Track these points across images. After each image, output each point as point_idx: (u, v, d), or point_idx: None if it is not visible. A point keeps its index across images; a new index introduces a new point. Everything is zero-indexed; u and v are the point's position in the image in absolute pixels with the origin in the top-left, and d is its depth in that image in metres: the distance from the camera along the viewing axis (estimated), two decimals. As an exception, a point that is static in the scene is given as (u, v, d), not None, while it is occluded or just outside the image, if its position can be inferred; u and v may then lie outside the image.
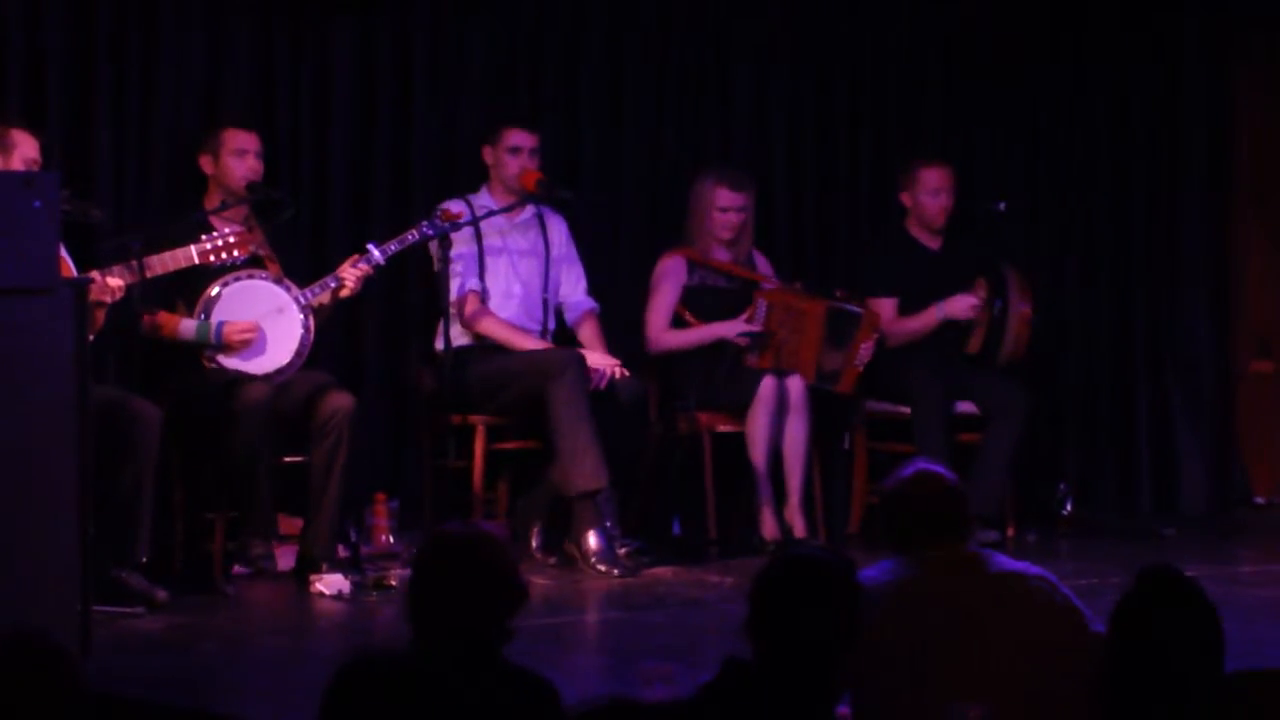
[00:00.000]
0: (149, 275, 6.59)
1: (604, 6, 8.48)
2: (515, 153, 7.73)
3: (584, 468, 7.32)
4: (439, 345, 7.47)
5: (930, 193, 8.30)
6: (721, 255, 8.12)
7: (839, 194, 8.94)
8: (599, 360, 7.60)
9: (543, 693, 3.73)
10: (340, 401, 7.00)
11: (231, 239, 6.77)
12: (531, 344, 7.67)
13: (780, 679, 3.74)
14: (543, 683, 3.73)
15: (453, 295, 7.55)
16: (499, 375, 7.53)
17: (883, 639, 4.07)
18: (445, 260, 7.40)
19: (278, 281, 7.13)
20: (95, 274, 6.37)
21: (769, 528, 7.80)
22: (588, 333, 7.88)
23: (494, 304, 7.73)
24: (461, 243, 7.57)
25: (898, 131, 8.98)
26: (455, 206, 7.60)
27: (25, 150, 6.57)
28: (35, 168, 6.54)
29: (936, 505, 4.34)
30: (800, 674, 3.75)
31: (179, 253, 6.68)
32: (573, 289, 7.95)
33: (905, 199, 8.37)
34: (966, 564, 4.29)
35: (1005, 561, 4.34)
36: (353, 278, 7.17)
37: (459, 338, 7.59)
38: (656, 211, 8.45)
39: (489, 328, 7.66)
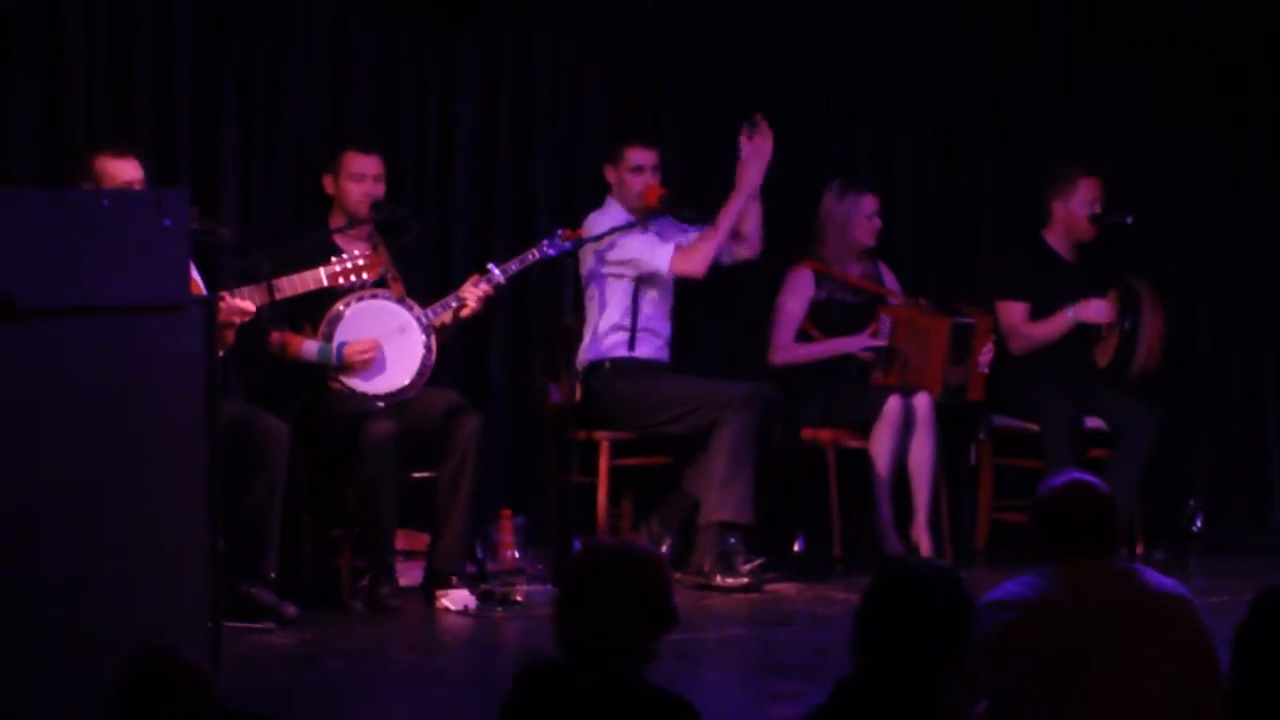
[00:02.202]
0: (279, 297, 6.64)
1: (721, 21, 8.47)
2: (638, 171, 7.73)
3: (731, 500, 7.33)
4: (589, 356, 7.49)
5: (1088, 203, 8.21)
6: (854, 269, 8.09)
7: (962, 204, 8.89)
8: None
9: (684, 714, 3.70)
10: (467, 419, 7.03)
11: (361, 261, 6.82)
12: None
13: (881, 697, 3.71)
14: (684, 704, 3.70)
15: (660, 260, 7.58)
16: (669, 396, 7.53)
17: (1027, 652, 4.02)
18: (572, 278, 7.41)
19: (400, 301, 7.16)
20: (226, 295, 6.42)
21: (892, 545, 7.76)
22: (695, 245, 7.74)
23: (642, 313, 7.73)
24: (628, 239, 7.57)
25: (1022, 141, 8.92)
26: (599, 221, 7.60)
27: (116, 176, 6.58)
28: (139, 188, 6.58)
29: (1092, 516, 4.26)
30: (901, 691, 3.72)
31: (308, 275, 6.73)
32: (656, 252, 7.79)
33: (1057, 206, 8.25)
34: (1120, 580, 4.22)
35: (1156, 579, 4.26)
36: (474, 298, 7.19)
37: (613, 349, 7.61)
38: (777, 224, 8.42)
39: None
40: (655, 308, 7.76)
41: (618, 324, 7.68)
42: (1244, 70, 9.15)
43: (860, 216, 8.01)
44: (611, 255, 7.63)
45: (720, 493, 7.33)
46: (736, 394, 7.44)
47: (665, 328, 7.81)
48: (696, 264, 7.65)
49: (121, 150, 6.70)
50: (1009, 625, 4.07)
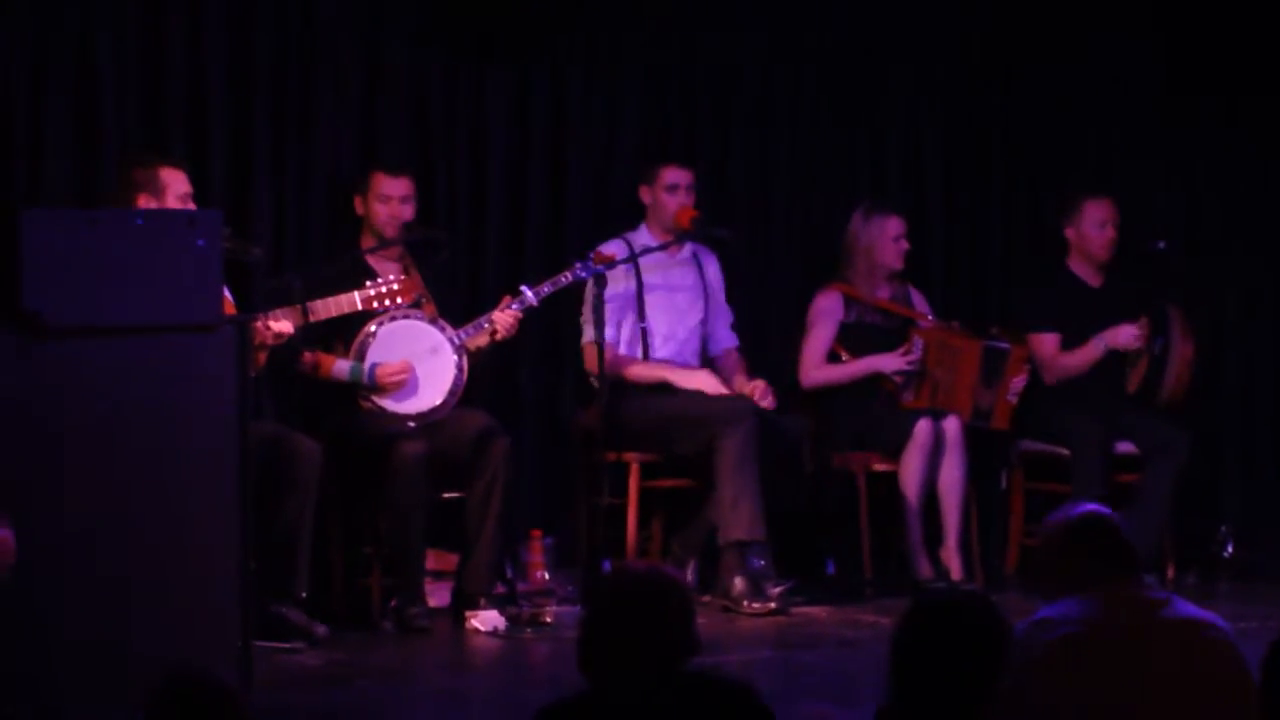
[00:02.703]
0: (313, 319, 6.66)
1: (754, 45, 8.48)
2: (673, 190, 7.74)
3: (742, 518, 7.32)
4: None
5: (1096, 225, 8.21)
6: (883, 292, 8.08)
7: (992, 229, 8.89)
8: (754, 385, 7.60)
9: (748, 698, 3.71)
10: (498, 441, 7.04)
11: (396, 286, 6.85)
12: (696, 379, 7.65)
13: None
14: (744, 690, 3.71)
15: (584, 339, 7.60)
16: (668, 416, 7.53)
17: (1082, 670, 4.00)
18: (600, 299, 7.41)
19: (433, 321, 7.18)
20: (261, 316, 6.44)
21: (922, 568, 7.76)
22: (729, 362, 7.86)
23: (655, 342, 7.73)
24: (616, 283, 7.59)
25: (1051, 166, 8.92)
26: (612, 246, 7.61)
27: (177, 187, 6.63)
28: (189, 202, 6.62)
29: (1107, 543, 4.26)
30: (938, 718, 3.72)
31: (343, 299, 6.75)
32: (718, 325, 7.94)
33: (1070, 233, 8.27)
34: (1149, 607, 4.20)
35: (1186, 608, 4.25)
36: (504, 323, 7.20)
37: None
38: (809, 248, 8.43)
39: (639, 372, 7.66)
40: (668, 318, 7.76)
41: (629, 347, 7.69)
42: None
43: (886, 239, 8.01)
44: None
45: (731, 513, 7.34)
46: (729, 410, 7.44)
47: (684, 356, 7.80)
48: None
49: (177, 163, 6.75)
50: (1069, 639, 4.05)
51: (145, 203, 6.55)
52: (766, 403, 7.57)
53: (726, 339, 7.96)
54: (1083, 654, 4.04)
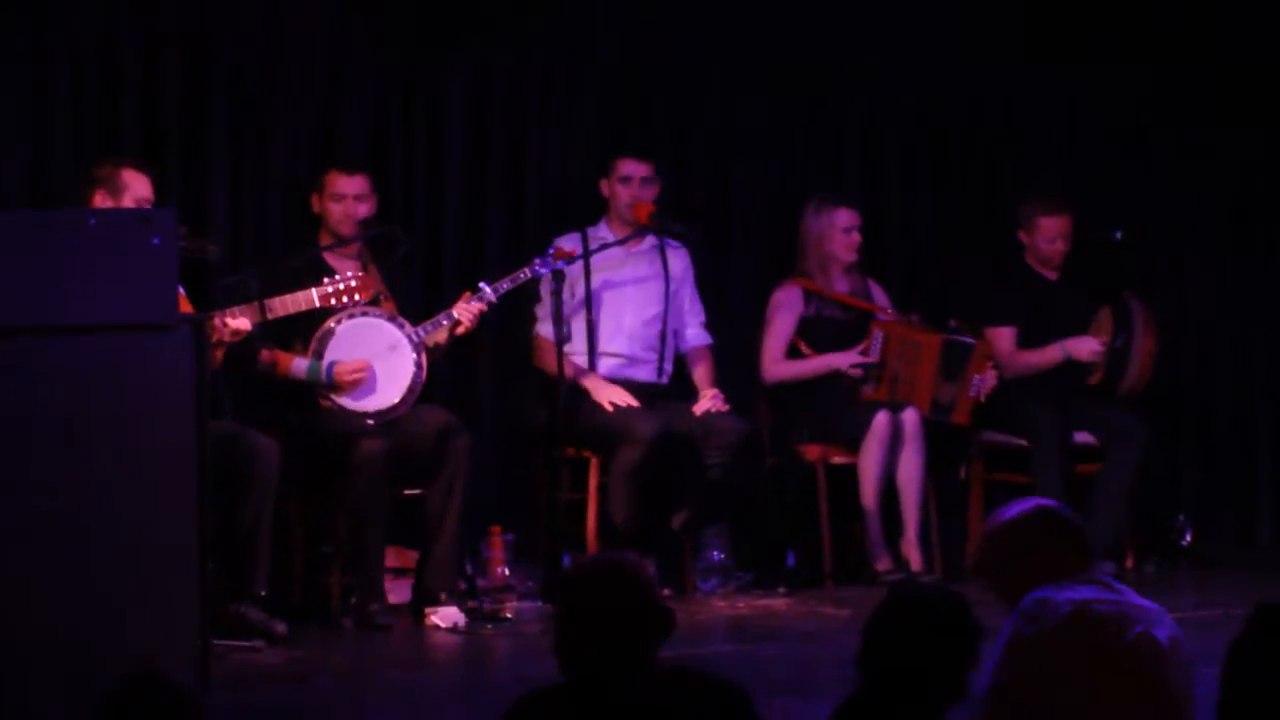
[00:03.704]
0: (271, 317, 6.65)
1: (717, 40, 8.48)
2: (626, 182, 7.75)
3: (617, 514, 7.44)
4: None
5: (1047, 240, 8.24)
6: (841, 285, 8.09)
7: (952, 222, 8.91)
8: (705, 404, 7.65)
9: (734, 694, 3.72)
10: (458, 438, 7.04)
11: (354, 283, 6.84)
12: (604, 392, 7.62)
13: (887, 715, 3.73)
14: (731, 685, 3.72)
15: (538, 331, 7.63)
16: (593, 419, 7.55)
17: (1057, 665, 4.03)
18: (558, 296, 7.41)
19: (391, 319, 7.17)
20: (218, 315, 6.43)
21: (882, 561, 7.77)
22: (701, 371, 7.88)
23: (603, 336, 7.72)
24: (576, 279, 7.59)
25: (1011, 159, 8.94)
26: (569, 242, 7.62)
27: (137, 190, 6.63)
28: (148, 206, 6.61)
29: (1058, 538, 4.27)
30: (908, 710, 3.74)
31: (300, 296, 6.74)
32: (688, 321, 7.95)
33: (1023, 237, 8.31)
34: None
35: (1127, 594, 4.25)
36: (468, 316, 7.19)
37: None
38: (769, 243, 8.44)
39: (568, 371, 7.61)
40: (621, 327, 7.75)
41: (578, 347, 7.68)
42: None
43: (836, 230, 8.01)
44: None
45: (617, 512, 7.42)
46: (630, 430, 7.44)
47: (639, 347, 7.79)
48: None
49: (141, 166, 6.75)
50: (1075, 614, 4.07)
51: (101, 201, 6.53)
52: (715, 407, 7.61)
53: (695, 337, 7.96)
54: (1093, 627, 4.06)
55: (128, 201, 6.57)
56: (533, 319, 7.75)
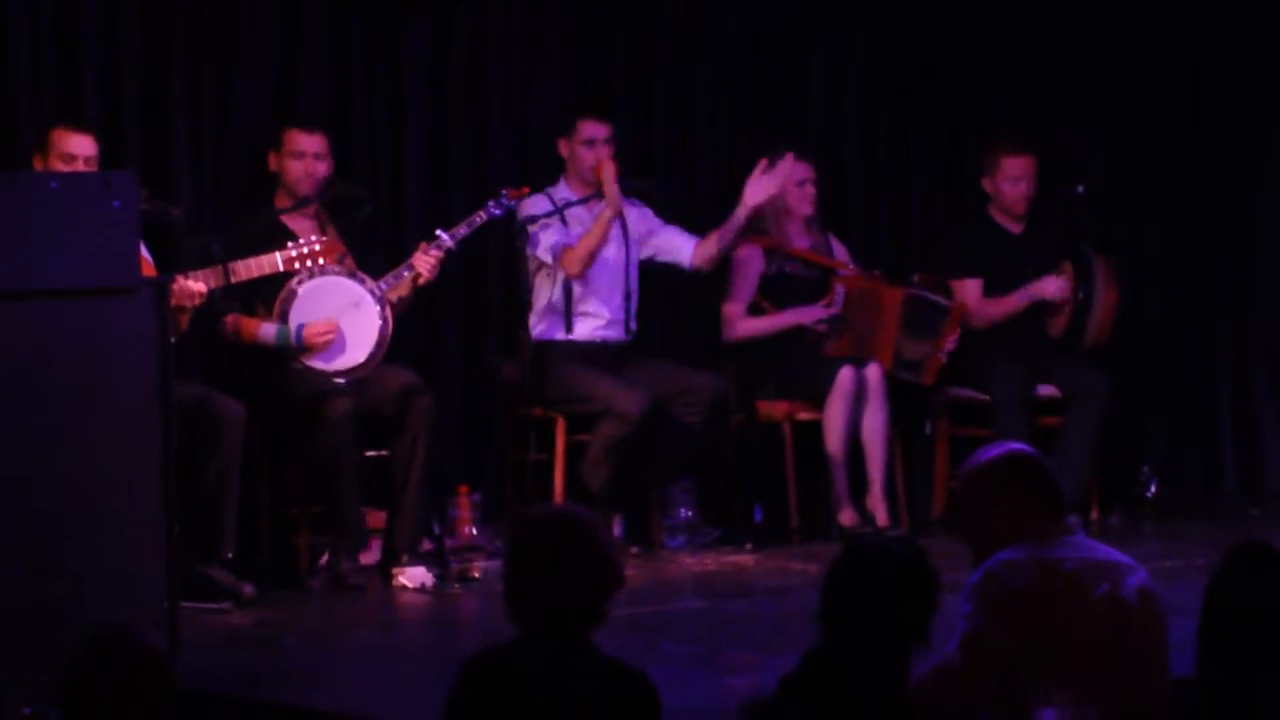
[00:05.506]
0: (234, 280, 6.63)
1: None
2: (590, 144, 7.73)
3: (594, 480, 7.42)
4: (534, 336, 7.50)
5: (1011, 180, 8.24)
6: (801, 242, 8.10)
7: (914, 176, 8.92)
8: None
9: (639, 685, 3.72)
10: (421, 399, 7.04)
11: (318, 246, 6.83)
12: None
13: (849, 667, 3.76)
14: (639, 675, 3.72)
15: (545, 253, 7.61)
16: (576, 387, 7.54)
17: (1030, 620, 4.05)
18: (534, 219, 7.43)
19: (352, 275, 7.15)
20: (179, 277, 6.40)
21: (847, 516, 7.79)
22: (709, 240, 7.88)
23: (575, 291, 7.70)
24: (544, 223, 7.58)
25: (974, 111, 8.95)
26: (534, 204, 7.61)
27: (65, 147, 6.56)
28: (89, 166, 6.56)
29: (1037, 483, 4.27)
30: (868, 662, 3.76)
31: (264, 259, 6.73)
32: (679, 245, 7.92)
33: (986, 184, 8.31)
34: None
35: (1097, 549, 4.26)
36: (426, 265, 7.18)
37: (551, 331, 7.61)
38: (731, 198, 8.43)
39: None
40: (592, 288, 7.75)
41: (552, 306, 7.67)
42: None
43: (790, 184, 8.00)
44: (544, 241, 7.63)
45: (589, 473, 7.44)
46: (620, 403, 7.44)
47: (609, 308, 7.79)
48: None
49: (78, 125, 6.68)
50: (1042, 573, 4.08)
51: (38, 164, 6.50)
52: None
53: (688, 242, 7.93)
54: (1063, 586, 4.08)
55: (55, 161, 6.52)
56: (501, 278, 7.78)
